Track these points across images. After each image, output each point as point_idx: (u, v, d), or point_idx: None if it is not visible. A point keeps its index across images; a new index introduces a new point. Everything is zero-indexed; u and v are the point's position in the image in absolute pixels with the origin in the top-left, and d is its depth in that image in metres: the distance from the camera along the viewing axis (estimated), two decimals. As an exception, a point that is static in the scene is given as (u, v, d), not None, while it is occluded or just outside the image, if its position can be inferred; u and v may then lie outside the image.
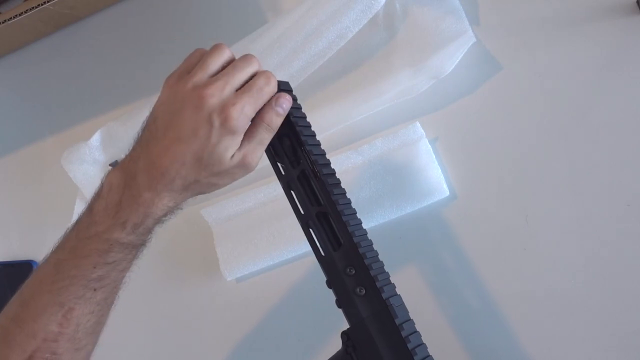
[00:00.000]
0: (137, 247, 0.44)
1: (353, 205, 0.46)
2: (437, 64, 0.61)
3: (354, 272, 0.43)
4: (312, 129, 0.48)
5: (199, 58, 0.44)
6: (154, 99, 0.70)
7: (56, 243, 0.45)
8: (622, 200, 0.56)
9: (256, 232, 0.66)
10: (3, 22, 0.70)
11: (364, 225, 0.62)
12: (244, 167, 0.45)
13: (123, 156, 0.73)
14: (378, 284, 0.42)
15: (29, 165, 0.80)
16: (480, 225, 0.60)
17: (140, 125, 0.45)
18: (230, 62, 0.44)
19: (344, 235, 0.44)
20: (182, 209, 0.45)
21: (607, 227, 0.56)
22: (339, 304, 0.44)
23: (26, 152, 0.80)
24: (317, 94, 0.67)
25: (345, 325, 0.44)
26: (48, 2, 0.68)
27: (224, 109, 0.41)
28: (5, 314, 0.44)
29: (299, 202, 0.46)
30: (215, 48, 0.44)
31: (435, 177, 0.61)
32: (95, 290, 0.42)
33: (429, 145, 0.62)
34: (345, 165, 0.64)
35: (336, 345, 0.46)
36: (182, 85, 0.42)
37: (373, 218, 0.62)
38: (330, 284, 0.44)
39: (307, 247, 0.64)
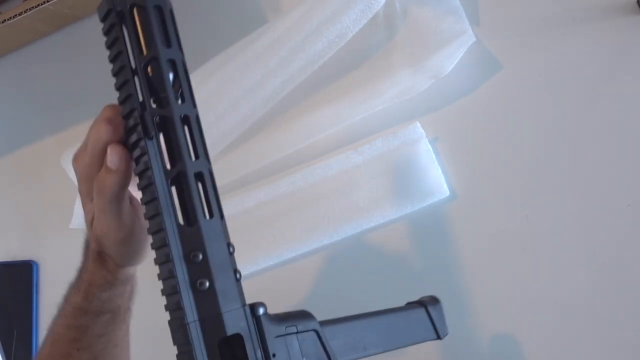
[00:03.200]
0: (99, 314, 0.45)
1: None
2: (437, 63, 0.61)
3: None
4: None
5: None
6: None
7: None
8: (623, 200, 0.56)
9: (256, 232, 0.66)
10: (3, 22, 0.70)
11: (364, 226, 0.63)
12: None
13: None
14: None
15: (29, 165, 0.80)
16: (480, 225, 0.60)
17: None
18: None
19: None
20: (121, 280, 0.45)
21: (608, 227, 0.56)
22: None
23: (26, 152, 0.80)
24: (317, 94, 0.67)
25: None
26: (47, 1, 0.68)
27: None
28: None
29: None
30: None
31: (435, 177, 0.61)
32: (78, 350, 0.45)
33: (429, 145, 0.62)
34: (345, 165, 0.64)
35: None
36: None
37: (373, 218, 0.62)
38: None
39: (307, 248, 0.65)
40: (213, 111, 0.66)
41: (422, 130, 0.62)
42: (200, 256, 0.33)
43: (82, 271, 0.45)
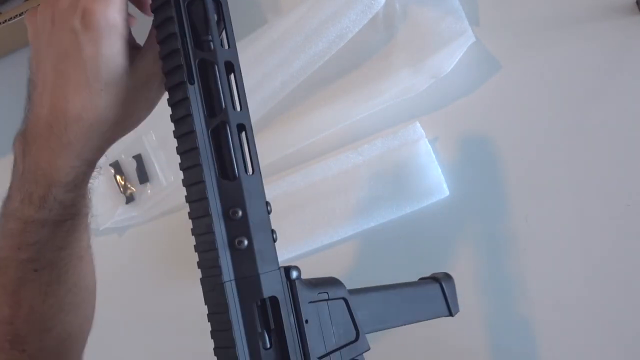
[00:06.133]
0: (60, 223, 0.37)
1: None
2: (437, 63, 0.62)
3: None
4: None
5: None
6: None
7: None
8: (622, 200, 0.56)
9: (256, 232, 0.66)
10: (3, 22, 0.70)
11: (364, 226, 0.63)
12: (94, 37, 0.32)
13: (123, 156, 0.74)
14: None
15: (29, 165, 0.80)
16: (479, 225, 0.60)
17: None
18: None
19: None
20: (100, 168, 0.38)
21: (607, 227, 0.56)
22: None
23: (27, 152, 0.80)
24: (317, 94, 0.67)
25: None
26: (48, 2, 0.68)
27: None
28: None
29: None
30: None
31: (435, 177, 0.61)
32: (36, 271, 0.38)
33: (429, 145, 0.62)
34: (345, 165, 0.64)
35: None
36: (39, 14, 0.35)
37: (373, 218, 0.62)
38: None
39: (307, 248, 0.65)
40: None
41: (422, 130, 0.62)
42: (240, 213, 0.31)
43: (23, 180, 0.35)
